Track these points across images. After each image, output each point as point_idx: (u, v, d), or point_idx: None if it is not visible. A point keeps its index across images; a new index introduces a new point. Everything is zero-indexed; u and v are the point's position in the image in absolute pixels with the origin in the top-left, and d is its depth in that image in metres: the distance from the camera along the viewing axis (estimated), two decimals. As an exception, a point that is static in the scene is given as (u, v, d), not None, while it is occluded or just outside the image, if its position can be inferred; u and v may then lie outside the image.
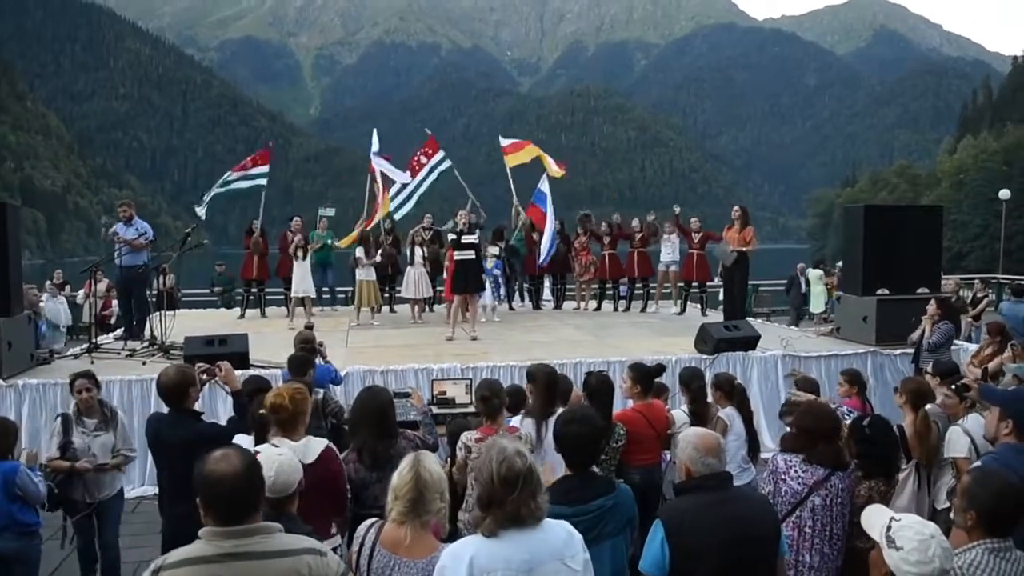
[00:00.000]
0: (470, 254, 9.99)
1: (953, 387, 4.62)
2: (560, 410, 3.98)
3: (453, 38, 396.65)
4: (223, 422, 4.71)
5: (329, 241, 12.77)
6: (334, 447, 3.66)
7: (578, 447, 3.11)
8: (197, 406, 4.29)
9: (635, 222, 12.77)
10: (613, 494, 3.09)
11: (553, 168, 13.06)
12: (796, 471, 3.55)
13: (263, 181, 12.67)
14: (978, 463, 3.55)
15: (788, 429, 4.17)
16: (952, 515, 2.86)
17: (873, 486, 3.79)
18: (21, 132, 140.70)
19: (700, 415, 5.09)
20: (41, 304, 12.43)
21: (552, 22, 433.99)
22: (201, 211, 12.63)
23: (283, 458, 2.88)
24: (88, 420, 4.94)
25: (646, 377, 4.92)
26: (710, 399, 5.32)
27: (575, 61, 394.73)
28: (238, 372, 4.65)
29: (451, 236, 10.17)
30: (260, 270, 12.46)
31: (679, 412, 5.22)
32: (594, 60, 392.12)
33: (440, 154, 13.42)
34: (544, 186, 12.42)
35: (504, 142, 13.72)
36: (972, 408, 4.43)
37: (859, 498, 3.71)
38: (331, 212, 13.25)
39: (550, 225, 11.98)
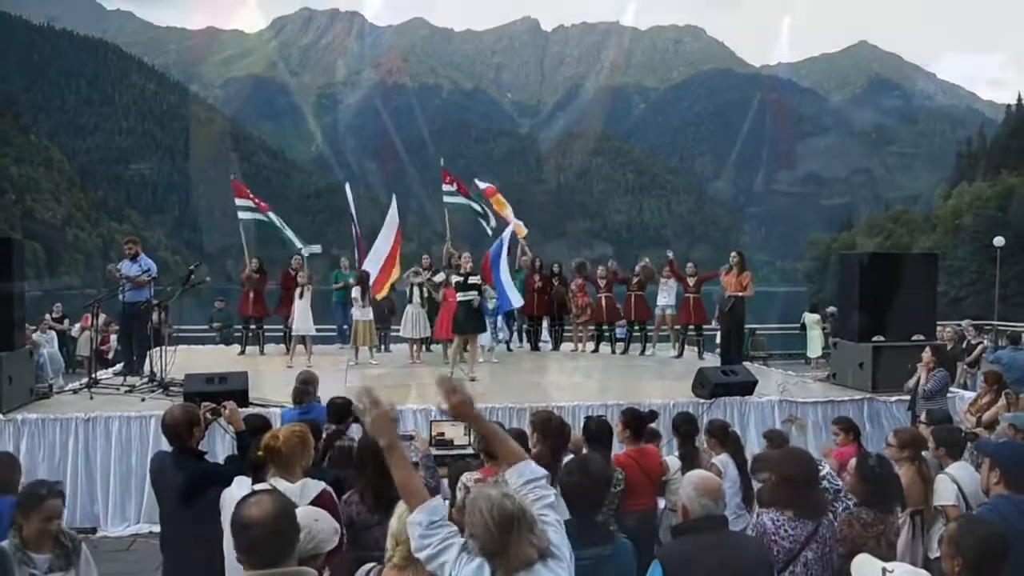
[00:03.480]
0: (473, 295, 10.09)
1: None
2: (568, 457, 3.97)
3: (455, 80, 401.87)
4: (220, 461, 4.75)
5: (351, 280, 12.73)
6: (331, 490, 3.63)
7: (580, 496, 3.16)
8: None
9: (638, 267, 12.98)
10: (610, 545, 3.11)
11: (522, 229, 13.45)
12: (786, 530, 3.44)
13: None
14: (972, 513, 3.60)
15: (763, 483, 4.11)
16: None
17: (854, 512, 3.79)
18: (24, 164, 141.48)
19: (689, 459, 5.10)
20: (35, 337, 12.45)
21: (552, 66, 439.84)
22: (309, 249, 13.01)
23: (318, 524, 2.85)
24: (37, 556, 3.26)
25: (637, 421, 4.95)
26: (704, 446, 5.35)
27: (574, 104, 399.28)
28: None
29: (456, 278, 10.27)
30: (256, 306, 12.50)
31: (673, 459, 5.25)
32: (593, 103, 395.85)
33: (451, 187, 13.75)
34: (506, 235, 12.14)
35: (481, 184, 13.98)
36: (958, 456, 4.50)
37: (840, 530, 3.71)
38: (317, 249, 13.39)
39: (498, 274, 11.62)
